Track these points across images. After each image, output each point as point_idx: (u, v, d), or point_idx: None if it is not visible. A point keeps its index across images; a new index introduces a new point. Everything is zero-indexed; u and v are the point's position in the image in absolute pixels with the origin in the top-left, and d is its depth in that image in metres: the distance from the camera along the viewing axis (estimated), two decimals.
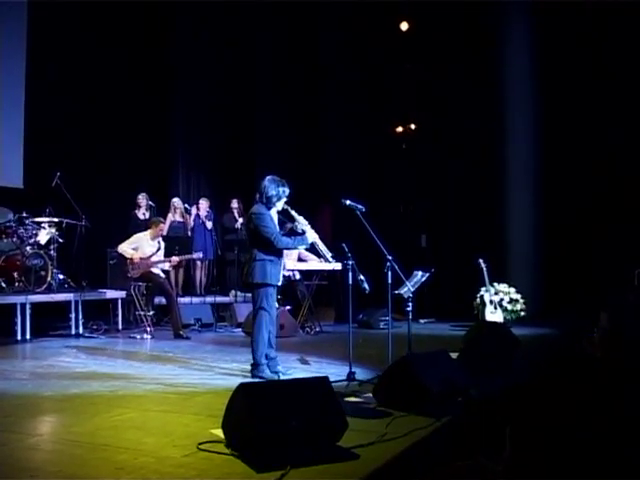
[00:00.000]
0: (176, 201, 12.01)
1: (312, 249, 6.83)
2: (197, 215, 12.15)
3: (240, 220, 12.14)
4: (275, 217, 6.28)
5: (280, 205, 6.23)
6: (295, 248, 6.30)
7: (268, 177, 6.24)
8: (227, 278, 12.40)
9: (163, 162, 13.30)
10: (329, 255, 6.19)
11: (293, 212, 6.27)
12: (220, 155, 13.35)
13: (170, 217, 11.80)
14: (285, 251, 6.47)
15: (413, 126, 13.26)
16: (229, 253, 12.04)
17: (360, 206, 6.31)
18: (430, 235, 13.25)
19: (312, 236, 6.21)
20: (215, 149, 13.35)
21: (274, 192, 6.14)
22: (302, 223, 6.24)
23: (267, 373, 6.08)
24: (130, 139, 12.31)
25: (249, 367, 6.22)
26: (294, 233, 6.28)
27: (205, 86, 13.20)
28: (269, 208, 6.18)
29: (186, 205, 12.08)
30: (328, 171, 12.98)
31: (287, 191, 6.22)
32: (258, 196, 6.21)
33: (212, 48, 13.09)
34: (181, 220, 11.97)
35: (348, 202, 6.32)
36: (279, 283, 6.28)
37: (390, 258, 6.15)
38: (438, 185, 13.00)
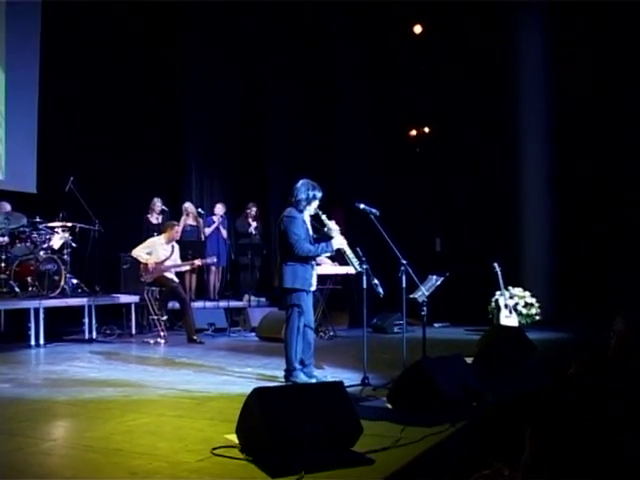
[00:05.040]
0: (188, 205, 12.07)
1: (338, 256, 6.70)
2: (211, 220, 12.21)
3: (254, 224, 12.16)
4: (308, 221, 6.26)
5: (312, 209, 6.20)
6: (318, 256, 6.22)
7: (302, 180, 6.24)
8: (240, 282, 12.43)
9: (176, 166, 13.36)
10: (357, 263, 6.07)
11: (324, 217, 6.21)
12: (233, 159, 13.36)
13: (183, 221, 11.83)
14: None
15: (427, 129, 13.20)
16: (242, 257, 12.06)
17: (374, 210, 6.30)
18: (444, 239, 13.16)
19: (338, 242, 6.10)
20: (228, 153, 13.36)
21: (304, 195, 6.14)
22: (332, 228, 6.17)
23: (302, 378, 6.06)
24: (143, 143, 12.37)
25: (263, 371, 6.24)
26: (324, 239, 6.21)
27: (219, 90, 13.21)
28: (300, 211, 6.16)
29: (199, 209, 12.12)
30: (342, 174, 12.93)
31: (318, 195, 6.19)
32: (289, 198, 6.23)
33: (226, 51, 13.10)
34: (194, 224, 11.99)
35: (362, 206, 6.31)
36: (312, 288, 6.24)
37: (404, 262, 6.16)
38: (452, 189, 12.91)
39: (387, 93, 12.90)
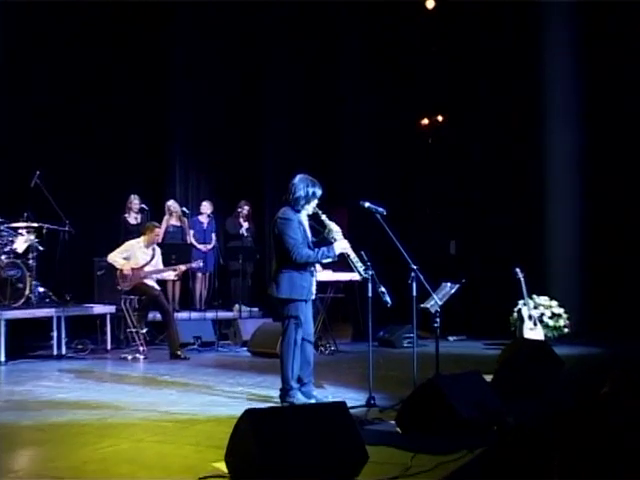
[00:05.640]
0: (172, 204, 12.06)
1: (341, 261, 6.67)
2: (198, 220, 12.24)
3: (246, 225, 12.19)
4: (306, 222, 6.26)
5: (310, 208, 6.20)
6: (318, 262, 6.21)
7: (299, 175, 6.23)
8: (230, 291, 12.42)
9: (158, 160, 13.34)
10: (362, 268, 6.04)
11: (324, 217, 6.20)
12: (222, 152, 13.37)
13: (166, 222, 11.83)
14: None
15: (440, 118, 13.21)
16: (233, 262, 12.03)
17: (381, 209, 6.30)
18: (460, 241, 13.20)
19: (341, 246, 6.08)
20: (217, 145, 13.36)
21: (302, 193, 6.13)
22: (334, 230, 6.15)
23: (300, 398, 6.07)
24: (121, 134, 12.37)
25: (256, 391, 6.24)
26: (324, 242, 6.19)
27: (207, 77, 13.23)
28: (297, 211, 6.15)
29: (184, 208, 12.13)
30: (344, 169, 12.97)
31: (318, 192, 6.18)
32: (285, 197, 6.22)
33: (215, 35, 13.11)
34: (178, 225, 12.00)
35: (367, 204, 6.31)
36: (312, 297, 6.26)
37: (415, 267, 6.15)
38: (469, 185, 12.93)
39: (395, 78, 12.91)
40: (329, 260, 6.27)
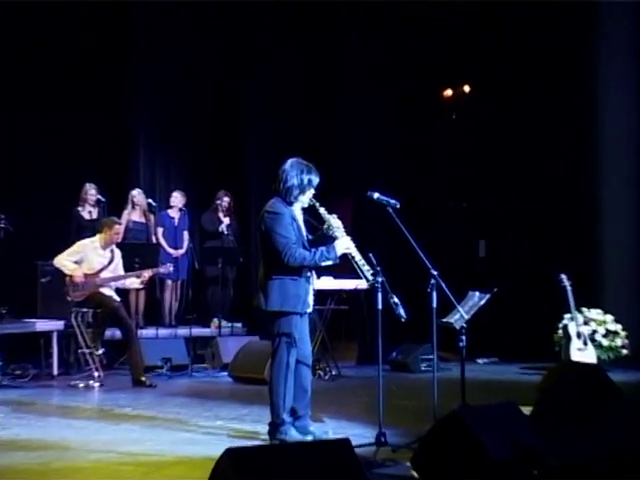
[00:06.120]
0: (137, 194, 12.08)
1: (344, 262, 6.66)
2: (167, 215, 12.30)
3: (226, 221, 12.23)
4: (300, 216, 6.29)
5: (306, 200, 6.23)
6: (316, 265, 6.21)
7: (291, 160, 6.26)
8: (208, 302, 12.47)
9: (118, 142, 13.25)
10: (369, 273, 6.04)
11: (322, 210, 6.23)
12: (198, 133, 13.39)
13: (127, 216, 11.84)
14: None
15: (467, 88, 13.20)
16: (210, 267, 12.09)
17: (393, 201, 6.32)
18: (491, 241, 13.18)
19: (344, 245, 6.09)
20: (191, 125, 13.40)
21: (295, 181, 6.14)
22: (334, 226, 6.17)
23: (293, 434, 6.08)
24: (71, 110, 12.31)
25: (239, 426, 6.26)
26: (323, 241, 6.21)
27: (179, 45, 13.30)
28: (290, 203, 6.18)
29: (150, 200, 12.17)
30: (348, 152, 13.00)
31: (315, 180, 6.22)
32: (274, 186, 6.24)
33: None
34: (142, 221, 12.03)
35: (376, 195, 6.33)
36: (309, 309, 6.29)
37: (435, 273, 6.16)
38: (502, 172, 12.89)
39: (410, 38, 12.87)
40: (329, 263, 6.24)
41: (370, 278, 6.03)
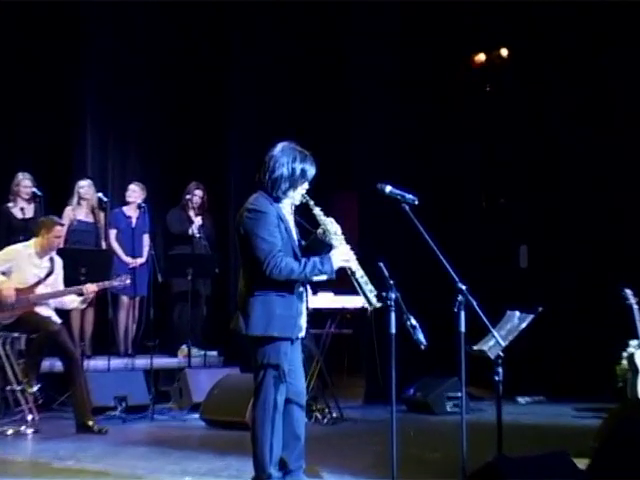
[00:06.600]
0: (84, 186, 12.05)
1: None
2: (122, 214, 12.28)
3: (197, 221, 12.28)
4: (290, 216, 6.23)
5: (298, 196, 6.18)
6: (307, 280, 6.14)
7: (282, 144, 6.19)
8: (174, 324, 12.51)
9: (60, 120, 13.19)
10: (372, 293, 5.99)
11: (317, 210, 6.17)
12: (163, 110, 13.46)
13: (70, 214, 11.81)
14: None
15: (505, 52, 13.11)
16: (178, 280, 12.13)
17: (409, 196, 6.26)
18: (535, 248, 13.13)
19: (341, 256, 6.02)
20: (154, 100, 13.47)
21: (285, 171, 6.06)
22: (330, 231, 6.12)
23: None
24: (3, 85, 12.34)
25: None
26: (317, 249, 6.14)
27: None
28: (277, 199, 6.11)
29: (100, 194, 12.07)
30: (353, 135, 13.06)
31: (310, 171, 6.16)
32: (258, 177, 6.17)
33: None
34: (90, 220, 12.01)
35: (389, 189, 6.28)
36: (302, 334, 6.25)
37: (463, 287, 6.08)
38: (550, 160, 12.83)
39: None
40: (322, 278, 6.18)
41: (374, 301, 5.99)
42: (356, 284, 6.03)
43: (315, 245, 6.16)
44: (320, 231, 6.13)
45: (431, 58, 12.89)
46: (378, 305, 5.94)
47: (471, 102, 13.34)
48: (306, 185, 6.16)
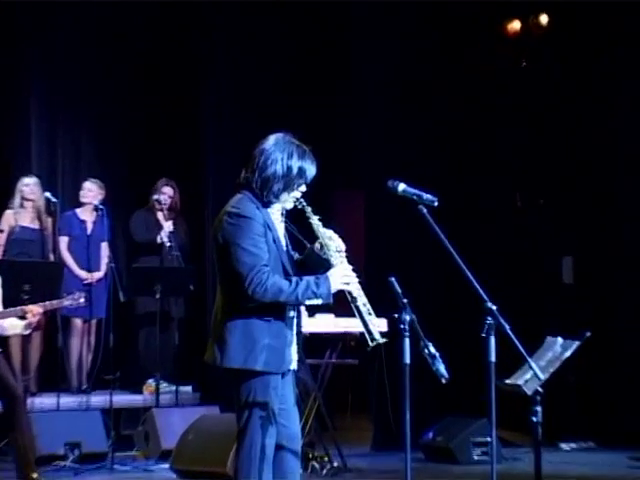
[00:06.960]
0: (28, 186, 12.07)
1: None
2: (75, 218, 12.27)
3: (167, 226, 12.27)
4: (280, 224, 6.12)
5: (291, 200, 6.07)
6: (299, 303, 6.04)
7: (275, 136, 6.08)
8: (139, 353, 12.56)
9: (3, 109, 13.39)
10: (374, 328, 5.84)
11: (314, 219, 6.12)
12: (126, 93, 13.51)
13: (11, 219, 11.83)
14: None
15: (544, 19, 12.92)
16: (144, 299, 12.20)
17: (428, 195, 6.17)
18: (581, 260, 12.99)
19: (341, 277, 5.92)
20: (114, 81, 13.48)
21: (278, 168, 5.95)
22: (330, 245, 6.03)
23: None
24: None
25: None
26: (312, 266, 6.10)
27: None
28: (266, 204, 6.00)
29: (48, 194, 12.02)
30: (360, 127, 13.00)
31: (310, 171, 6.05)
32: (243, 174, 6.03)
33: None
34: (35, 227, 12.03)
35: (402, 187, 6.22)
36: (291, 366, 6.11)
37: (493, 308, 5.94)
38: (599, 151, 12.72)
39: None
40: (317, 302, 6.05)
41: (377, 337, 5.85)
42: (357, 313, 5.91)
43: (310, 261, 6.11)
44: (317, 245, 6.04)
45: (457, 25, 12.90)
46: (382, 341, 5.80)
47: (503, 79, 13.29)
48: (303, 187, 6.04)
